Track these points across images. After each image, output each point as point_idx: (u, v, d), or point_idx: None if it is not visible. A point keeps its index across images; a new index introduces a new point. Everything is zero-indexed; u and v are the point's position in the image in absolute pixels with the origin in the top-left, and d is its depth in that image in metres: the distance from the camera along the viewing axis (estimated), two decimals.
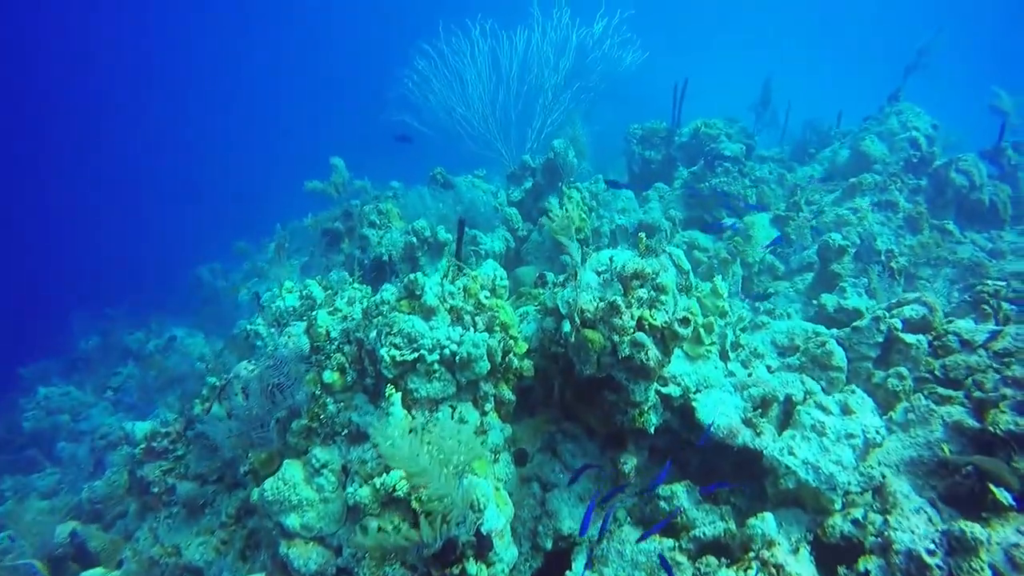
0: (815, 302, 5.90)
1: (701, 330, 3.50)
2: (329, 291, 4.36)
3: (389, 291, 3.62)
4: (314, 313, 3.79)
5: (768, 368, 4.28)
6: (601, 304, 3.24)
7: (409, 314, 3.44)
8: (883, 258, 6.08)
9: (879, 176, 7.92)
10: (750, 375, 3.77)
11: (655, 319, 3.17)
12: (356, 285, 5.27)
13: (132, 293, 16.59)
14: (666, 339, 3.19)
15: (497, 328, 3.54)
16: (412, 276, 3.49)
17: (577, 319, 3.22)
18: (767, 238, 7.77)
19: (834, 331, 4.36)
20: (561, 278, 4.20)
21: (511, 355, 3.58)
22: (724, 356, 3.86)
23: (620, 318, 3.13)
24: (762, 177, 8.75)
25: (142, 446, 5.05)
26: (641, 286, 3.44)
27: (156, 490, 4.83)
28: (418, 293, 3.45)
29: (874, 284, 5.84)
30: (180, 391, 8.01)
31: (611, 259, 3.96)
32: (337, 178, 6.65)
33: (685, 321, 3.23)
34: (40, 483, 9.93)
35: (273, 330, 4.66)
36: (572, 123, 7.96)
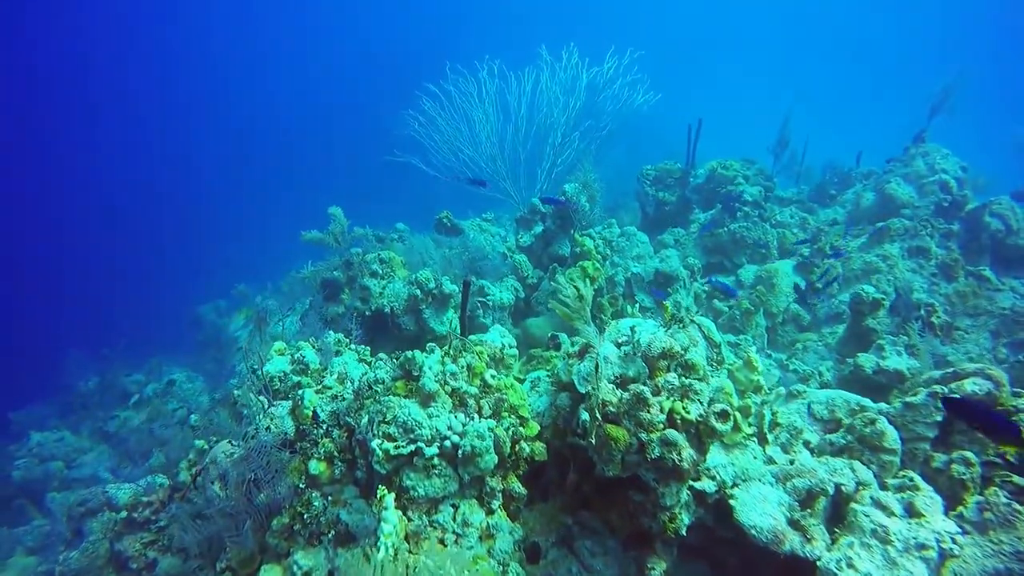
0: (850, 361, 5.44)
1: (737, 415, 3.06)
2: (318, 366, 3.97)
3: (383, 369, 3.22)
4: (300, 392, 3.38)
5: (807, 445, 3.82)
6: (625, 396, 2.82)
7: (406, 397, 3.03)
8: (922, 312, 5.63)
9: (909, 221, 7.51)
10: (792, 462, 3.31)
11: (688, 412, 2.74)
12: (353, 347, 4.88)
13: (131, 331, 16.30)
14: (701, 435, 2.76)
15: (506, 413, 3.12)
16: (409, 354, 3.09)
17: (598, 413, 2.79)
18: (790, 287, 7.36)
19: (882, 406, 3.90)
20: (576, 346, 3.78)
21: (521, 442, 3.15)
22: (762, 439, 3.41)
23: (648, 412, 2.71)
24: (783, 221, 8.37)
25: (122, 516, 4.66)
26: (669, 367, 3.03)
27: (135, 566, 4.41)
28: (416, 374, 3.05)
29: (914, 341, 5.38)
30: (166, 452, 7.59)
31: (632, 329, 3.55)
32: (335, 227, 6.32)
33: (723, 415, 2.80)
34: (27, 537, 9.48)
35: (262, 398, 4.26)
36: (583, 167, 7.61)
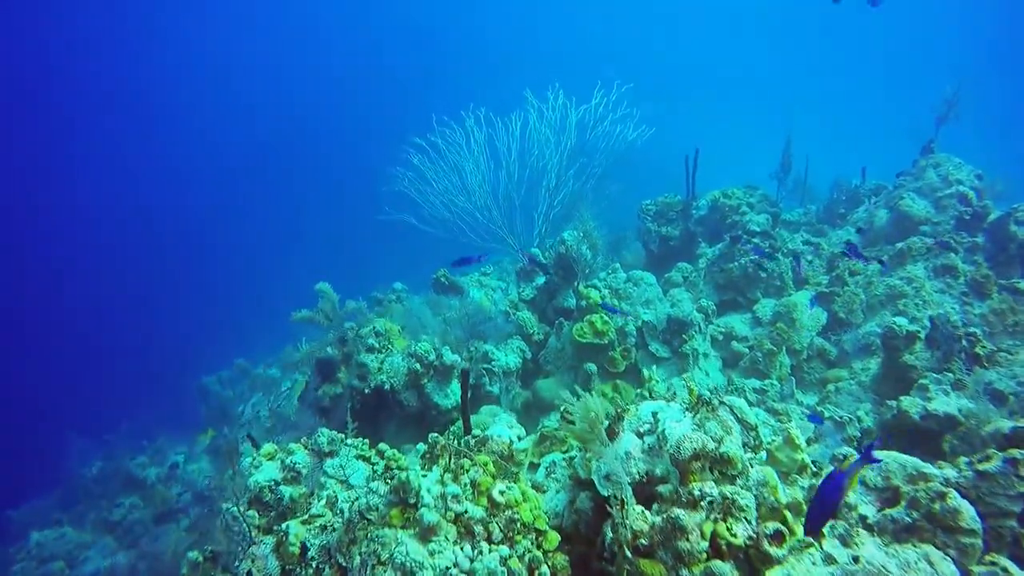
0: (891, 403, 4.98)
1: (788, 516, 2.62)
2: (305, 491, 3.55)
3: (376, 491, 2.81)
4: (285, 526, 2.96)
5: (864, 521, 3.35)
6: (658, 523, 2.39)
7: (403, 528, 2.61)
8: (964, 343, 5.18)
9: (929, 239, 7.11)
10: (857, 559, 2.85)
11: (735, 536, 2.31)
12: (349, 442, 4.47)
13: (134, 409, 15.90)
14: (753, 562, 2.32)
15: (519, 536, 2.69)
16: (403, 477, 2.69)
17: (628, 549, 2.36)
18: (812, 320, 6.92)
19: (948, 472, 3.44)
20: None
21: (541, 567, 2.70)
22: (818, 534, 2.96)
23: (687, 540, 2.28)
24: (796, 249, 7.98)
25: None
26: (703, 467, 2.60)
27: None
28: (412, 501, 2.64)
29: (959, 377, 4.92)
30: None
31: (655, 417, 3.13)
32: (325, 304, 5.97)
33: (778, 537, 2.36)
34: None
35: (252, 512, 3.84)
36: (581, 215, 7.29)
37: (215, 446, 12.30)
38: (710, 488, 2.48)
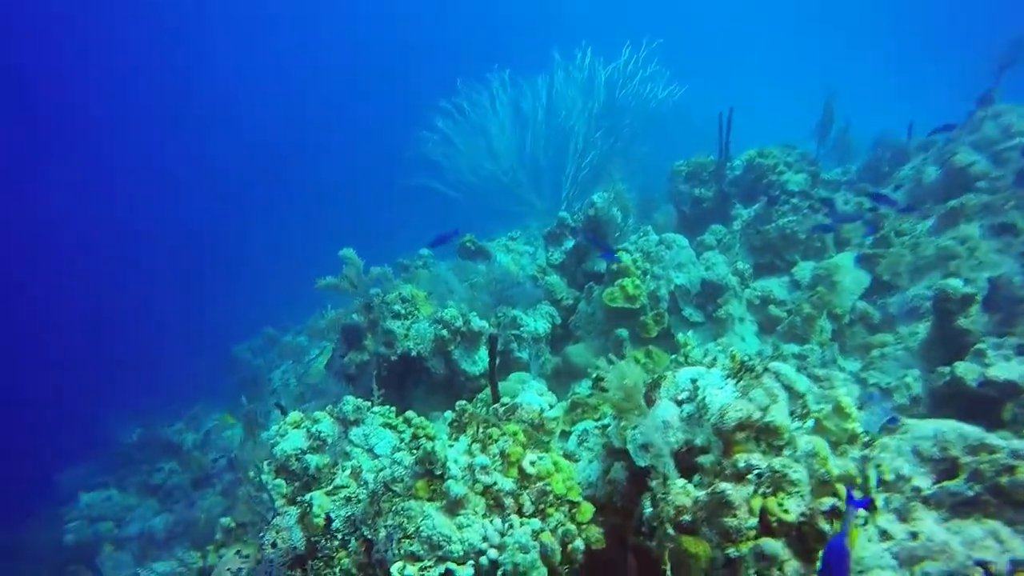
0: (943, 370, 4.70)
1: (840, 488, 2.43)
2: (328, 462, 3.46)
3: (401, 462, 2.69)
4: (309, 497, 2.87)
5: (919, 494, 3.14)
6: (702, 496, 2.22)
7: (429, 500, 2.49)
8: None
9: (986, 195, 6.68)
10: (916, 535, 2.65)
11: (787, 512, 2.13)
12: (376, 410, 4.38)
13: (169, 379, 16.25)
14: (806, 540, 2.14)
15: (552, 508, 2.55)
16: (428, 447, 2.56)
17: (669, 525, 2.20)
18: (854, 283, 6.60)
19: (1016, 444, 3.20)
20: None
21: (575, 541, 2.57)
22: (871, 507, 2.76)
23: (734, 517, 2.11)
24: (839, 211, 7.59)
25: None
26: (748, 438, 2.42)
27: None
28: (439, 473, 2.51)
29: (1023, 341, 4.61)
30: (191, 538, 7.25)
31: (695, 384, 2.94)
32: (350, 271, 5.85)
33: (833, 514, 2.17)
34: None
35: (280, 480, 3.79)
36: (612, 177, 7.01)
37: (248, 414, 12.55)
38: (758, 460, 2.30)
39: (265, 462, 3.99)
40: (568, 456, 3.81)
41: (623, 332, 6.23)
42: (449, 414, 5.28)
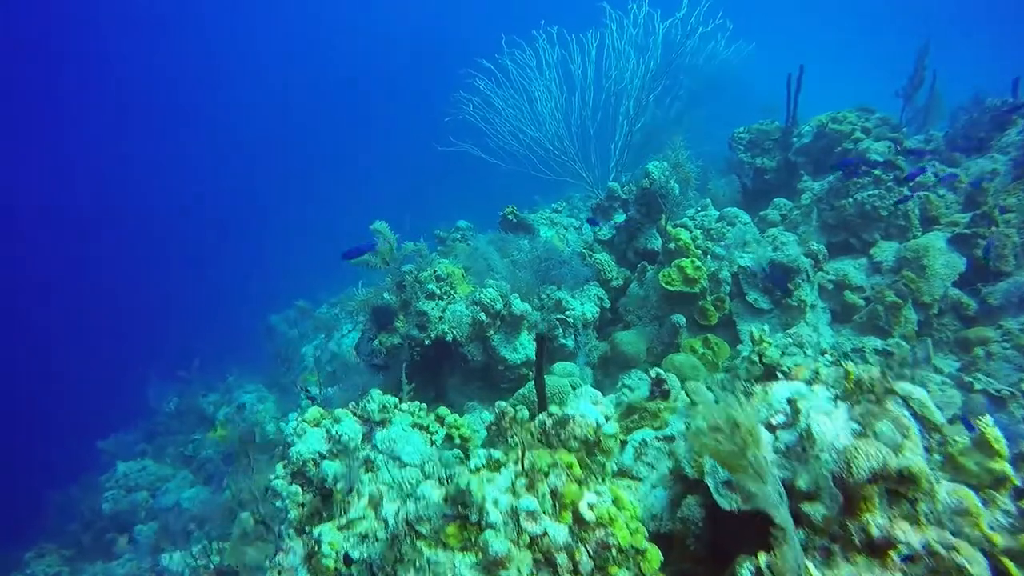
0: None
1: (1008, 564, 1.84)
2: (342, 487, 2.99)
3: (428, 495, 2.19)
4: (317, 532, 2.41)
5: None
6: None
7: (462, 551, 2.00)
8: None
9: None
10: None
11: None
12: (404, 407, 3.91)
13: (206, 347, 16.31)
14: None
15: (615, 567, 2.02)
16: (462, 484, 2.05)
17: None
18: (947, 267, 5.81)
19: None
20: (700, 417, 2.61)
21: None
22: None
23: None
24: (924, 181, 6.73)
25: None
26: (879, 492, 1.84)
27: None
28: (474, 519, 2.00)
29: None
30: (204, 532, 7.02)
31: (793, 405, 2.35)
32: (382, 246, 5.35)
33: None
34: (119, 571, 9.45)
35: (295, 487, 3.37)
36: (672, 144, 6.30)
37: (243, 434, 12.43)
38: (905, 533, 1.71)
39: (280, 463, 3.58)
40: (624, 472, 3.29)
41: (679, 318, 5.62)
42: (488, 416, 4.76)
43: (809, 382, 2.55)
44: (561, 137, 9.11)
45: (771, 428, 2.39)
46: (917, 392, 2.24)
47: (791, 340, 5.37)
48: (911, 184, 6.43)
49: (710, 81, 9.29)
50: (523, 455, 2.30)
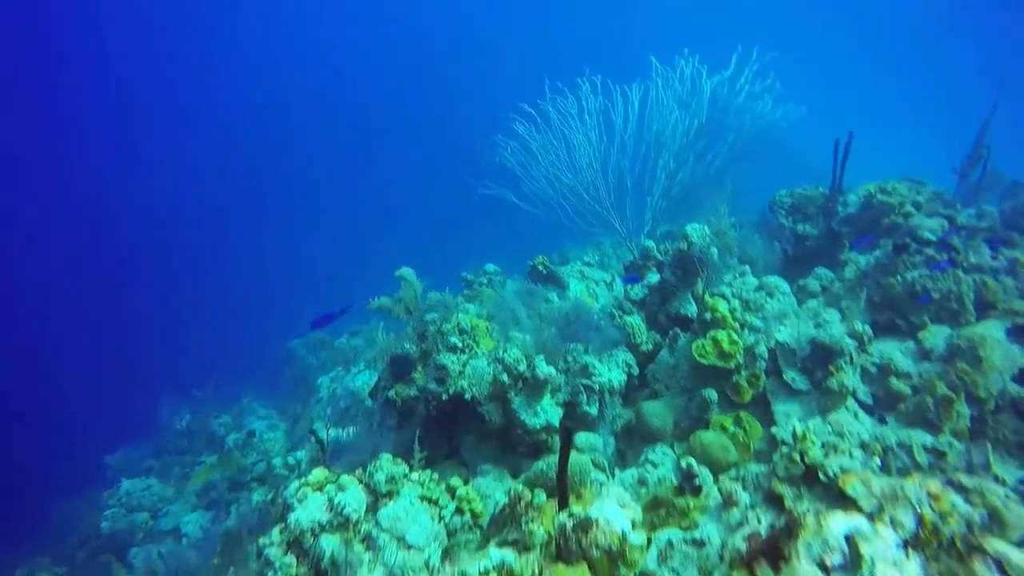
0: None
1: None
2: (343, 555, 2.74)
3: None
4: None
5: None
6: None
7: None
8: None
9: None
10: None
11: None
12: (415, 476, 3.67)
13: (225, 362, 16.26)
14: None
15: None
16: None
17: None
18: (1006, 360, 5.43)
19: None
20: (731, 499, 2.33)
21: None
22: None
23: None
24: (980, 263, 6.38)
25: None
26: None
27: None
28: None
29: None
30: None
31: (852, 544, 2.05)
32: (407, 293, 5.17)
33: None
34: None
35: (289, 558, 3.13)
36: (714, 209, 6.07)
37: (297, 413, 12.23)
38: None
39: (277, 527, 3.34)
40: None
41: (711, 393, 5.31)
42: (501, 485, 4.48)
43: (872, 515, 2.25)
44: (597, 187, 8.95)
45: (824, 568, 2.09)
46: (1016, 556, 1.93)
47: (830, 428, 5.01)
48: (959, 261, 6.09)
49: (754, 140, 9.09)
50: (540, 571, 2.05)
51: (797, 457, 3.40)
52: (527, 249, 9.44)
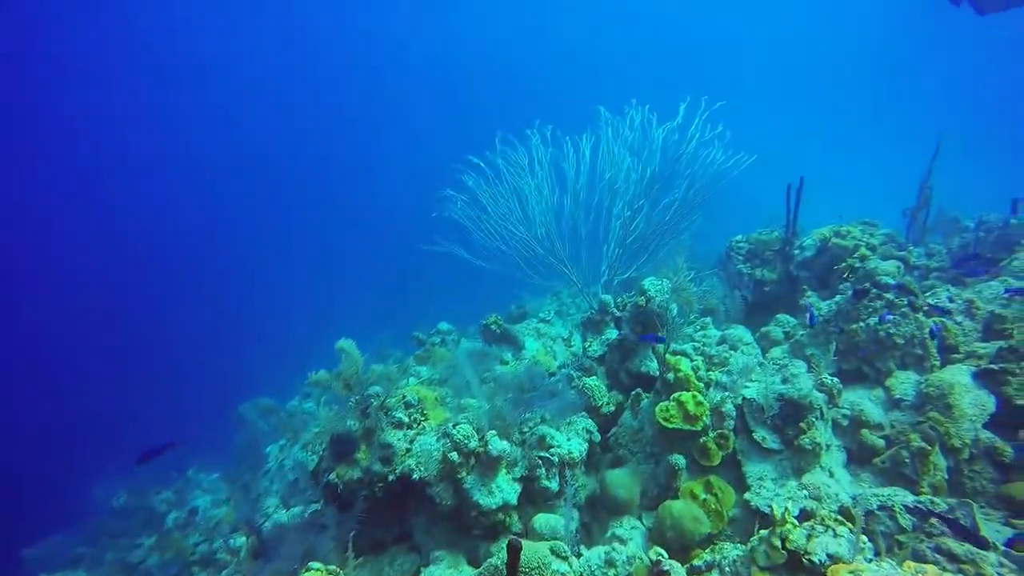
0: None
1: None
2: None
3: None
4: None
5: None
6: None
7: None
8: None
9: None
10: None
11: None
12: None
13: (169, 432, 15.20)
14: None
15: None
16: None
17: None
18: (975, 407, 5.25)
19: None
20: None
21: None
22: None
23: None
24: (940, 304, 6.28)
25: None
26: None
27: None
28: None
29: None
30: None
31: None
32: (347, 368, 4.73)
33: None
34: None
35: None
36: (674, 263, 5.85)
37: (246, 483, 11.39)
38: None
39: None
40: None
41: (679, 459, 4.96)
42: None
43: None
44: (552, 238, 8.72)
45: None
46: None
47: (807, 492, 4.70)
48: (927, 310, 5.98)
49: (708, 185, 9.05)
50: None
51: (778, 543, 3.06)
52: (485, 302, 9.10)
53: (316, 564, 3.23)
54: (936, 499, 4.46)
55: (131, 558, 10.51)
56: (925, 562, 3.71)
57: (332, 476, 4.86)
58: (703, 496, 4.90)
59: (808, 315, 6.20)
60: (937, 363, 5.87)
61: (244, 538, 7.84)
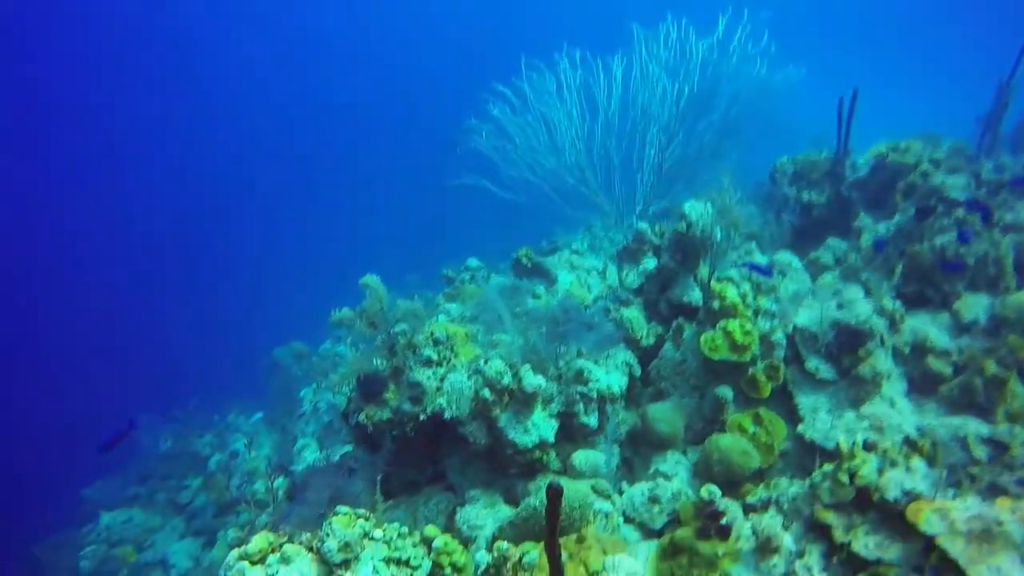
0: None
1: None
2: None
3: None
4: None
5: None
6: None
7: None
8: None
9: None
10: None
11: None
12: (379, 535, 2.99)
13: (214, 377, 15.53)
14: None
15: None
16: None
17: None
18: None
19: None
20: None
21: None
22: None
23: None
24: (1018, 221, 5.71)
25: None
26: None
27: None
28: None
29: None
30: None
31: None
32: (370, 305, 4.47)
33: None
34: None
35: None
36: (721, 186, 5.36)
37: (284, 425, 11.56)
38: None
39: None
40: None
41: (726, 391, 4.65)
42: (492, 528, 3.88)
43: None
44: (582, 167, 8.26)
45: None
46: None
47: (867, 423, 4.36)
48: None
49: (749, 107, 8.39)
50: None
51: (846, 478, 2.75)
52: (515, 238, 8.74)
53: (343, 508, 3.04)
54: (1016, 428, 4.08)
55: (180, 498, 10.83)
56: (1006, 496, 3.37)
57: (361, 417, 4.68)
58: (752, 429, 4.61)
59: (874, 241, 5.71)
60: (1013, 284, 5.36)
61: (281, 479, 7.94)
